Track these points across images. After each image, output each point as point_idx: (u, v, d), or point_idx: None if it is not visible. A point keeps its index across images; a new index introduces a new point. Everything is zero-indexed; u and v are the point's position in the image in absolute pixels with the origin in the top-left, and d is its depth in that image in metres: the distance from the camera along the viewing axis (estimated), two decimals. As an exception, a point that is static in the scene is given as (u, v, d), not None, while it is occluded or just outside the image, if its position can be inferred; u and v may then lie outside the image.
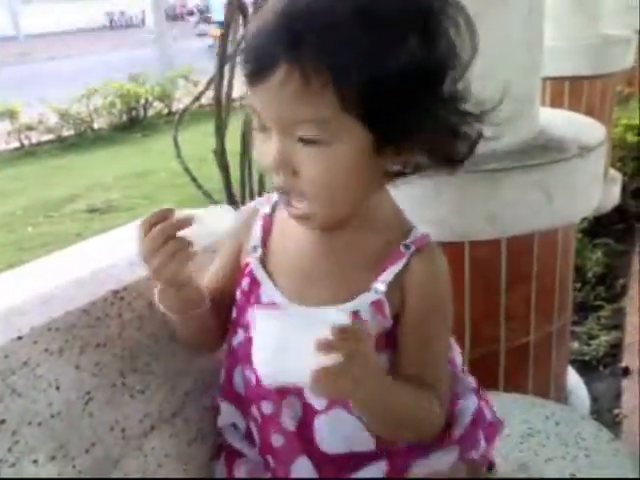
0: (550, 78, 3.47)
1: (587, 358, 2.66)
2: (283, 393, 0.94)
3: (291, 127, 0.82)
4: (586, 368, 2.61)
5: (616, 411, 2.33)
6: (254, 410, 0.99)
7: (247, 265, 1.00)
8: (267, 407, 0.96)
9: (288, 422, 0.96)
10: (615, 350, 2.71)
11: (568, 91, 3.69)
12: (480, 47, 1.60)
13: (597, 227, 3.62)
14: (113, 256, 1.04)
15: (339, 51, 0.77)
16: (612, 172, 4.15)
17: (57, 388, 0.86)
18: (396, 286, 0.92)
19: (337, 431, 0.95)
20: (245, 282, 0.99)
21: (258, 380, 0.94)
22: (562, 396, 2.08)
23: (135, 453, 0.97)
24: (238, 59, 0.87)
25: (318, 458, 0.96)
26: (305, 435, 0.96)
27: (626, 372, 2.54)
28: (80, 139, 8.96)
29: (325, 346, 0.75)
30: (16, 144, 8.79)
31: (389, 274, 0.92)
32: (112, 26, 32.89)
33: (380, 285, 0.92)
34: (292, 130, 0.82)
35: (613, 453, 1.25)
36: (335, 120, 0.80)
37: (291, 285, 0.96)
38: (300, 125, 0.81)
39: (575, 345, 2.71)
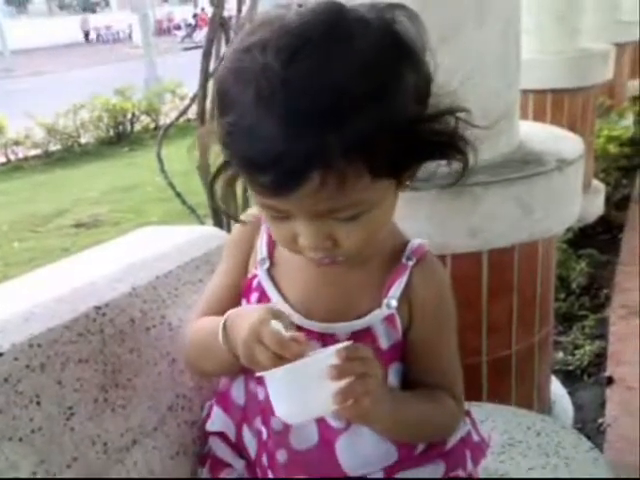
0: (532, 91, 3.52)
1: (571, 368, 2.68)
2: None
3: (325, 214, 0.80)
4: (570, 378, 2.62)
5: (600, 420, 2.35)
6: (258, 424, 1.00)
7: (254, 277, 0.99)
8: (277, 424, 0.96)
9: (296, 441, 0.96)
10: (599, 360, 2.72)
11: (550, 103, 3.73)
12: (457, 64, 1.63)
13: (581, 238, 3.65)
14: (94, 273, 1.05)
15: (371, 136, 0.74)
16: (595, 183, 4.19)
17: (38, 404, 0.86)
18: (404, 299, 0.94)
19: (360, 448, 0.95)
20: (254, 296, 0.98)
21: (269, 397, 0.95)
22: (546, 406, 2.09)
23: (117, 467, 0.97)
24: (235, 159, 0.79)
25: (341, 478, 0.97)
26: (326, 457, 0.96)
27: (610, 382, 2.55)
28: (67, 154, 8.96)
29: (336, 372, 0.77)
30: (2, 159, 8.77)
31: (397, 289, 0.94)
32: (99, 41, 32.89)
33: (392, 301, 0.94)
34: (326, 215, 0.80)
35: (593, 462, 1.26)
36: (369, 192, 0.79)
37: (301, 299, 0.96)
38: (336, 213, 0.79)
39: (560, 355, 2.73)
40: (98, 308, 0.96)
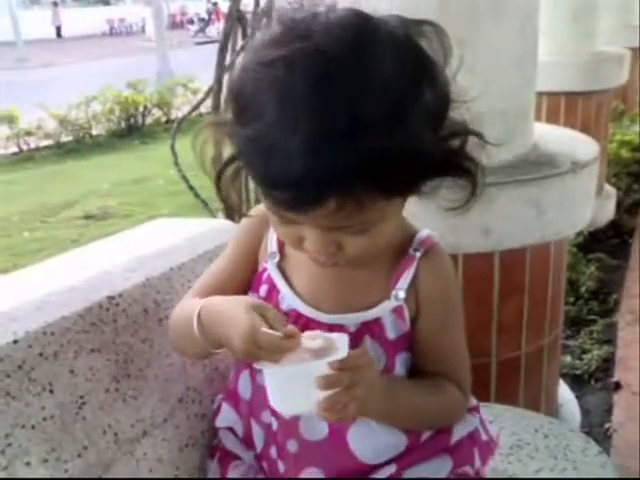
0: (546, 93, 3.51)
1: (579, 372, 2.67)
2: None
3: (335, 229, 0.81)
4: (578, 382, 2.62)
5: (607, 425, 2.34)
6: (265, 417, 1.00)
7: (264, 271, 1.00)
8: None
9: (307, 432, 0.97)
10: (607, 364, 2.72)
11: (564, 106, 3.72)
12: (474, 65, 1.62)
13: (591, 242, 3.64)
14: (108, 263, 1.06)
15: (390, 163, 0.74)
16: (607, 187, 4.18)
17: (51, 392, 0.87)
18: (411, 291, 0.95)
19: (371, 438, 0.97)
20: (263, 289, 1.00)
21: None
22: (553, 409, 2.09)
23: (127, 458, 0.98)
24: (251, 172, 0.79)
25: (354, 468, 0.98)
26: (338, 447, 0.97)
27: (617, 387, 2.54)
28: (78, 145, 8.98)
29: (325, 383, 0.79)
30: (14, 149, 8.81)
31: (405, 280, 0.95)
32: (112, 33, 32.91)
33: (400, 292, 0.95)
34: (336, 229, 0.81)
35: (601, 466, 1.26)
36: (381, 211, 0.80)
37: (310, 292, 0.97)
38: (347, 228, 0.81)
39: (568, 359, 2.73)
40: (111, 298, 0.96)
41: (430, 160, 0.79)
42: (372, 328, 0.95)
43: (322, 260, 0.87)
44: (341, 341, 0.84)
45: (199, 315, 0.91)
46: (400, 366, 0.97)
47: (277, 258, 1.00)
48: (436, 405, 0.99)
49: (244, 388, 1.03)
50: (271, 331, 0.82)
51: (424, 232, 0.98)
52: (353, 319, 0.95)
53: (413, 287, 0.95)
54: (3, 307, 0.92)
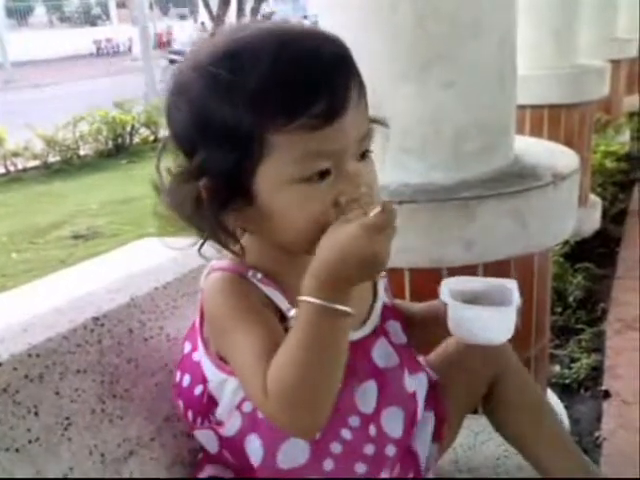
0: (530, 106, 3.55)
1: (568, 381, 2.68)
2: None
3: (359, 145, 0.86)
4: (567, 391, 2.63)
5: (597, 434, 2.35)
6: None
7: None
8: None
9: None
10: (596, 373, 2.73)
11: (547, 119, 3.76)
12: (454, 80, 1.65)
13: (578, 252, 3.66)
14: (93, 284, 1.06)
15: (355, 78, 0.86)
16: (592, 198, 4.22)
17: (36, 414, 0.87)
18: None
19: None
20: None
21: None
22: (542, 419, 2.09)
23: (114, 478, 0.98)
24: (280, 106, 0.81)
25: None
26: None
27: (606, 395, 2.55)
28: (66, 165, 8.95)
29: None
30: (1, 170, 8.78)
31: None
32: (99, 53, 32.94)
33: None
34: (358, 150, 0.86)
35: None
36: (368, 136, 0.88)
37: None
38: (362, 141, 0.87)
39: (556, 368, 2.74)
40: (96, 319, 0.97)
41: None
42: (388, 308, 1.04)
43: (362, 193, 0.83)
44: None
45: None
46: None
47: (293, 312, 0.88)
48: None
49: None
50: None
51: None
52: (376, 311, 1.01)
53: None
54: (-12, 330, 0.93)
